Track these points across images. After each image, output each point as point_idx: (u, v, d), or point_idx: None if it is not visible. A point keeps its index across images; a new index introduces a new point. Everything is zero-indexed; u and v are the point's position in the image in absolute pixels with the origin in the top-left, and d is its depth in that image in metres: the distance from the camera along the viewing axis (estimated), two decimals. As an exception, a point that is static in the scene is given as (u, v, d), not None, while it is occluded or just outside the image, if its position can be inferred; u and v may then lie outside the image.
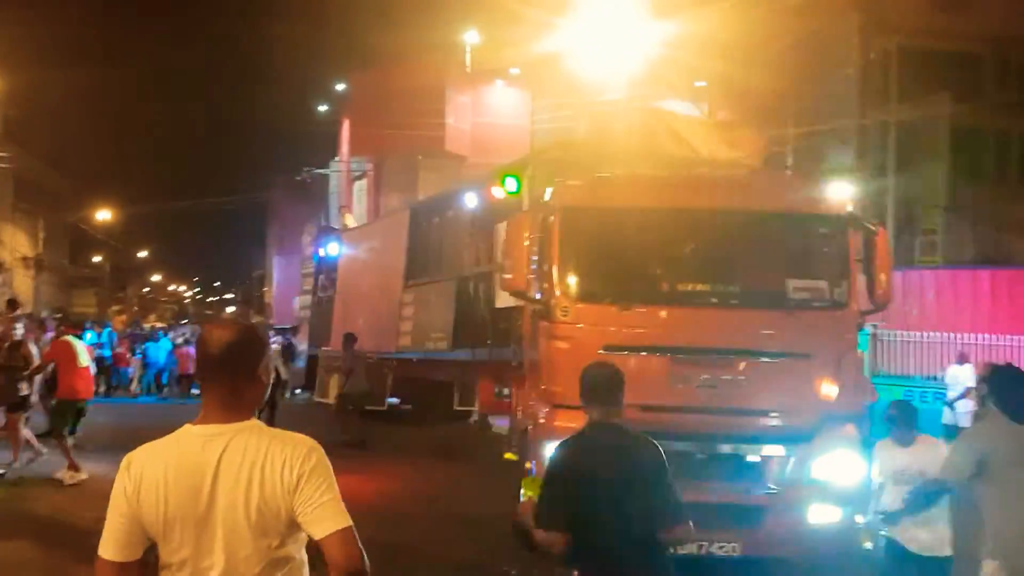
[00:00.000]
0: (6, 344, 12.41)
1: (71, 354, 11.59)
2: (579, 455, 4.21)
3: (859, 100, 27.45)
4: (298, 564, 2.64)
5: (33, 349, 12.24)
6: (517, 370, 9.86)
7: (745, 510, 7.46)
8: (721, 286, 8.23)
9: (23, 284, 41.09)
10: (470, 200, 13.69)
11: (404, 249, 16.49)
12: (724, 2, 22.25)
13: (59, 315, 15.92)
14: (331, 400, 15.05)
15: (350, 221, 27.84)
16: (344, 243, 20.72)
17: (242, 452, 2.58)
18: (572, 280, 8.02)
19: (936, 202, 28.55)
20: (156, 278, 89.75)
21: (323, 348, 20.05)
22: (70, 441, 11.44)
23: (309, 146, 48.90)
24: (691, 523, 4.20)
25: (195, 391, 26.66)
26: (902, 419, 5.97)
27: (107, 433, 14.85)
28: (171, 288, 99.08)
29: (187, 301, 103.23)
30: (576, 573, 4.21)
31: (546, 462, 7.49)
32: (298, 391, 21.81)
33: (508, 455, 10.34)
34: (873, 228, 8.24)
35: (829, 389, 7.68)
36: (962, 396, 16.08)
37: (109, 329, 27.04)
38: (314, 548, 2.64)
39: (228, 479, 2.55)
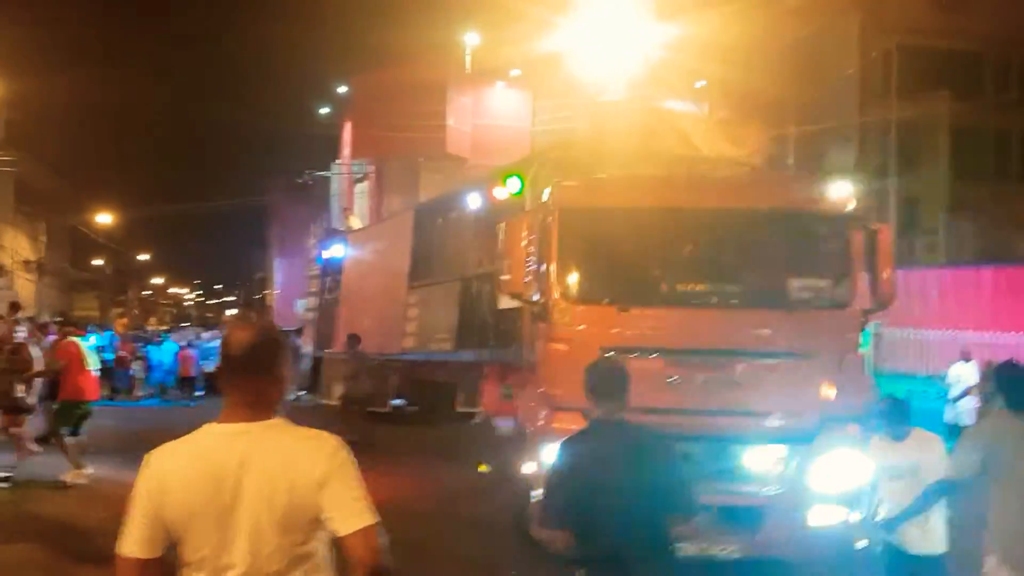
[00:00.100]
0: (7, 347, 12.44)
1: (79, 356, 11.64)
2: (584, 452, 4.16)
3: (859, 99, 27.52)
4: (321, 560, 2.66)
5: (35, 352, 12.25)
6: (520, 371, 9.86)
7: (746, 512, 7.39)
8: (721, 286, 8.18)
9: (25, 288, 41.12)
10: (473, 201, 13.70)
11: (408, 250, 16.50)
12: (724, 2, 22.31)
13: (59, 319, 15.94)
14: (336, 402, 15.08)
15: (355, 223, 27.89)
16: (348, 245, 20.76)
17: (266, 449, 2.61)
18: (570, 281, 7.98)
19: (937, 201, 28.62)
20: (157, 281, 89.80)
21: (328, 350, 20.08)
22: (71, 441, 11.44)
23: (310, 148, 48.89)
24: (706, 516, 4.23)
25: (198, 393, 26.81)
26: (893, 414, 5.89)
27: (111, 436, 14.89)
28: (172, 291, 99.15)
29: (188, 304, 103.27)
30: (582, 572, 4.14)
31: (547, 463, 7.54)
32: (302, 393, 21.84)
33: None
34: (875, 226, 8.19)
35: (830, 389, 7.62)
36: (964, 394, 16.10)
37: (111, 332, 27.07)
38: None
39: (252, 476, 2.58)
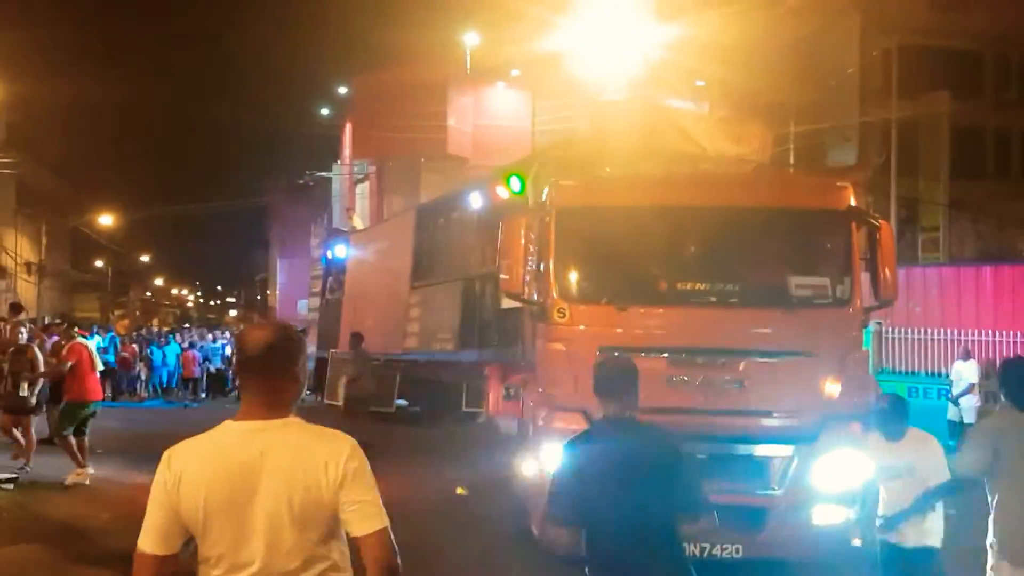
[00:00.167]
0: (11, 349, 12.47)
1: (87, 356, 11.70)
2: (593, 451, 4.11)
3: (859, 99, 27.52)
4: (339, 558, 2.70)
5: (38, 353, 12.29)
6: (522, 371, 9.87)
7: (748, 512, 7.32)
8: (720, 285, 8.05)
9: (26, 289, 41.15)
10: (475, 201, 13.71)
11: (410, 250, 16.53)
12: (724, 2, 22.33)
13: (58, 319, 15.96)
14: (340, 402, 15.10)
15: (358, 223, 27.89)
16: (351, 245, 20.78)
17: (284, 447, 2.65)
18: (568, 281, 7.94)
19: (937, 200, 28.64)
20: (158, 282, 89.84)
21: (332, 350, 20.10)
22: (73, 441, 11.48)
23: (311, 149, 48.99)
24: (714, 515, 4.15)
25: (202, 395, 26.87)
26: (892, 413, 5.80)
27: (115, 438, 14.92)
28: (173, 292, 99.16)
29: (189, 305, 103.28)
30: (588, 572, 4.09)
31: (547, 463, 7.54)
32: (307, 393, 21.92)
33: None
34: (876, 223, 8.04)
35: (832, 388, 7.54)
36: (966, 392, 16.15)
37: (112, 333, 27.10)
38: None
39: (270, 473, 2.61)
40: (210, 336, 31.65)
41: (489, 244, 13.29)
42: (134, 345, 27.55)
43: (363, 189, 39.41)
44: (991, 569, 5.11)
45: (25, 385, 11.96)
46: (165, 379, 26.77)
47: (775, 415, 7.57)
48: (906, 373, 18.37)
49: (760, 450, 7.60)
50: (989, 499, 5.11)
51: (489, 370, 11.74)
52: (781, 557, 7.59)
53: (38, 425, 12.57)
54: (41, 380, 12.25)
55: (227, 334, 34.22)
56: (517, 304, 8.99)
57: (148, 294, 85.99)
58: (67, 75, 46.13)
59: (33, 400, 12.17)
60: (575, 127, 23.94)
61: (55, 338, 14.39)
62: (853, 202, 8.12)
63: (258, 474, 2.62)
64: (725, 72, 22.45)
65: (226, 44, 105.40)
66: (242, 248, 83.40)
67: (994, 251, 27.16)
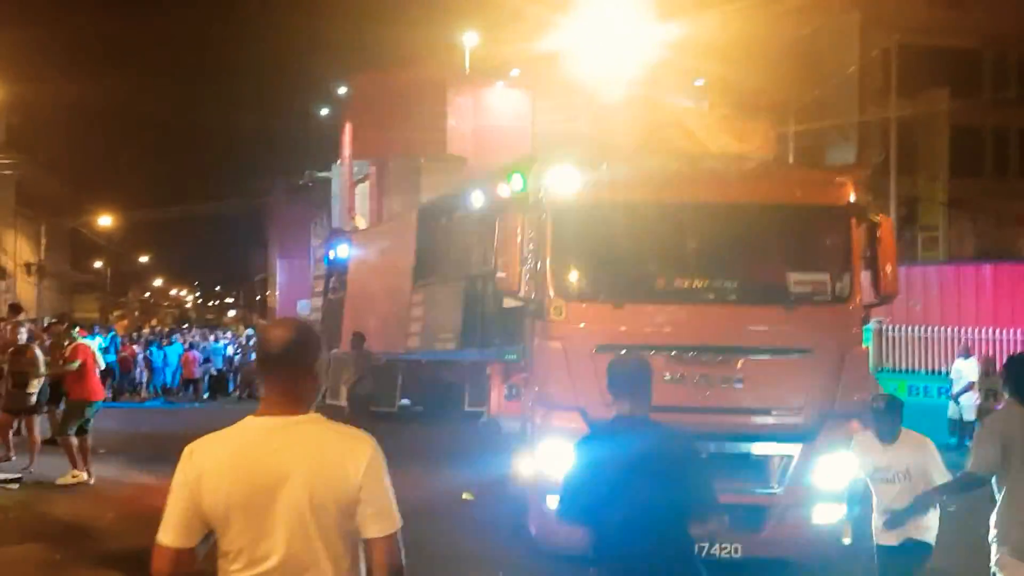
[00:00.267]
0: (10, 349, 12.49)
1: (92, 356, 11.81)
2: (605, 449, 4.07)
3: (859, 97, 27.57)
4: (354, 555, 2.73)
5: (39, 353, 12.32)
6: (524, 370, 9.86)
7: (746, 511, 7.22)
8: (718, 281, 7.95)
9: (26, 290, 41.17)
10: (476, 199, 13.71)
11: (412, 250, 16.51)
12: (724, 1, 22.35)
13: (55, 320, 15.97)
14: (343, 403, 15.10)
15: (360, 223, 27.91)
16: (354, 245, 20.78)
17: (305, 444, 2.68)
18: (565, 278, 7.86)
19: (936, 198, 28.70)
20: (157, 283, 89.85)
21: (334, 350, 20.09)
22: (75, 441, 11.50)
23: (310, 149, 48.99)
24: (725, 517, 4.09)
25: (204, 395, 26.86)
26: (887, 413, 5.69)
27: (117, 437, 14.95)
28: (172, 292, 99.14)
29: (188, 305, 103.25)
30: (596, 572, 4.05)
31: (546, 463, 7.52)
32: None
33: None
34: (876, 218, 7.92)
35: (832, 386, 7.46)
36: (966, 390, 16.18)
37: (113, 333, 27.12)
38: None
39: (291, 470, 2.64)
40: (212, 337, 31.65)
41: (491, 243, 13.30)
42: (135, 346, 27.57)
43: (363, 189, 39.40)
44: (996, 564, 5.10)
45: (36, 382, 11.99)
46: (168, 379, 26.78)
47: (774, 413, 7.49)
48: (906, 371, 18.40)
49: (759, 448, 7.54)
50: (996, 495, 5.09)
51: (491, 369, 11.75)
52: (781, 557, 7.54)
53: (39, 425, 12.60)
54: (42, 380, 12.28)
55: (228, 334, 34.24)
56: (518, 303, 8.95)
57: (147, 294, 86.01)
58: (67, 76, 46.13)
59: (33, 399, 12.19)
60: (575, 127, 23.97)
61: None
62: (853, 198, 8.01)
63: (279, 470, 2.65)
64: (725, 71, 22.48)
65: (225, 44, 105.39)
66: (241, 248, 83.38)
67: (993, 249, 27.21)
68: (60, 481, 11.24)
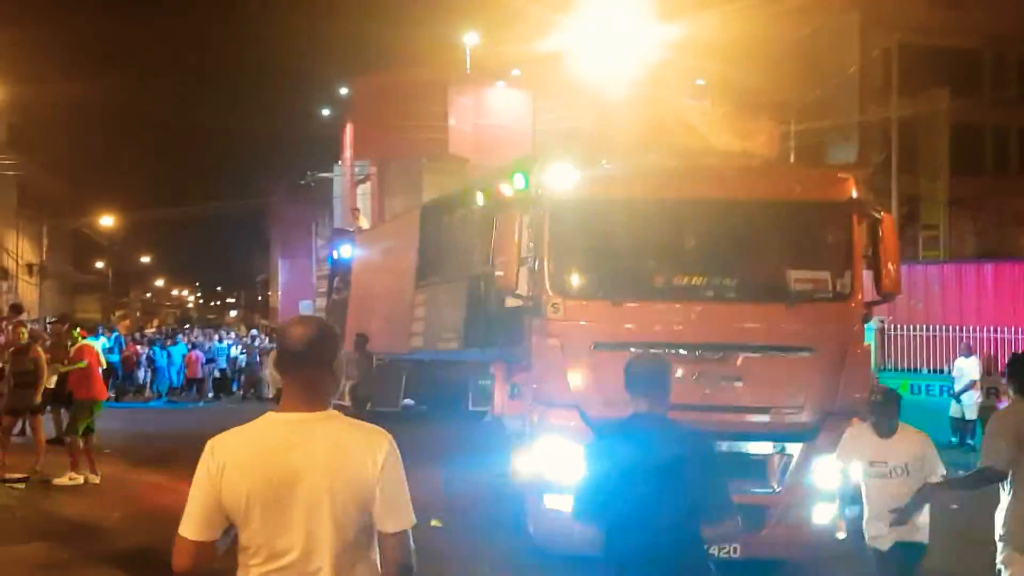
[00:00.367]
0: (10, 350, 12.52)
1: (96, 356, 11.95)
2: (622, 448, 4.02)
3: (860, 97, 27.63)
4: (372, 549, 2.78)
5: (42, 354, 12.36)
6: (525, 369, 9.85)
7: (745, 511, 7.08)
8: (717, 279, 7.81)
9: (28, 290, 41.23)
10: (479, 198, 13.74)
11: (415, 249, 16.53)
12: (725, 1, 22.40)
13: (55, 319, 16.01)
14: (346, 402, 15.13)
15: (364, 223, 27.92)
16: (357, 245, 20.80)
17: (325, 438, 2.74)
18: (563, 275, 7.78)
19: (937, 197, 28.75)
20: (159, 283, 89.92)
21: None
22: (80, 443, 11.55)
23: (312, 150, 49.10)
24: (738, 520, 4.07)
25: (209, 395, 26.87)
26: (885, 405, 5.56)
27: (122, 437, 15.01)
28: (174, 293, 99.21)
29: (190, 305, 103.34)
30: (608, 569, 4.00)
31: (543, 460, 7.52)
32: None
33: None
34: (878, 215, 7.73)
35: (833, 384, 7.35)
36: (968, 388, 16.23)
37: (117, 333, 27.15)
38: None
39: (311, 465, 2.69)
40: (216, 337, 31.69)
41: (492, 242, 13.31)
42: (137, 346, 27.60)
43: (364, 189, 39.46)
44: (1002, 562, 5.07)
45: (46, 380, 12.04)
46: (173, 379, 26.82)
47: (773, 412, 7.38)
48: (908, 370, 18.45)
49: (758, 448, 7.46)
50: (1002, 492, 5.07)
51: (495, 368, 11.77)
52: (781, 557, 7.47)
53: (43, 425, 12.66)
54: (52, 379, 12.35)
55: (232, 335, 34.27)
56: (518, 301, 8.90)
57: (149, 295, 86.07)
58: (68, 76, 46.10)
59: (38, 399, 12.24)
60: (576, 126, 24.00)
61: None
62: (854, 193, 7.85)
63: (299, 465, 2.69)
64: (725, 71, 22.53)
65: (227, 45, 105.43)
66: (242, 249, 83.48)
67: (993, 248, 27.27)
68: (57, 482, 11.27)
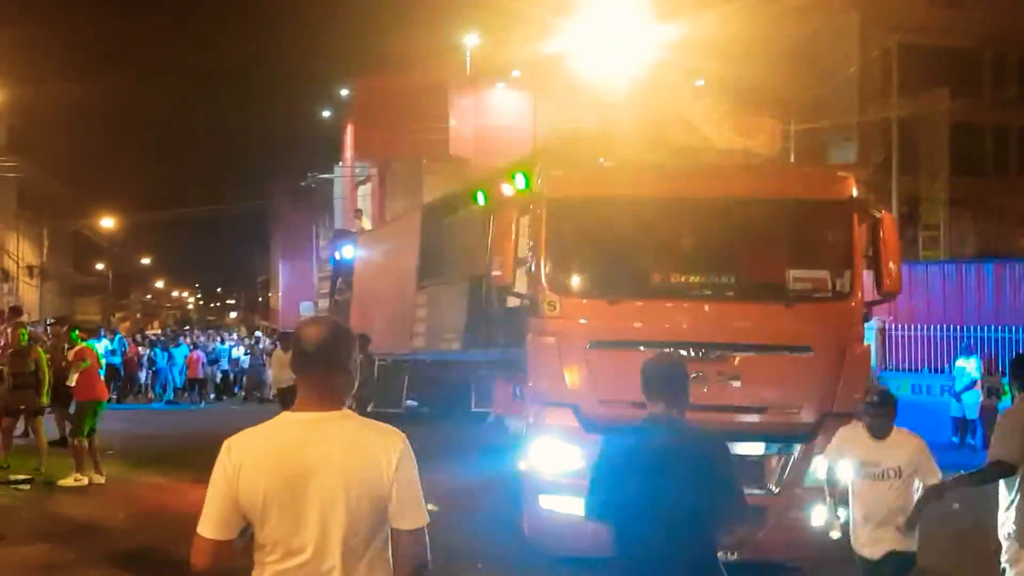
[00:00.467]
0: (9, 351, 12.54)
1: (96, 357, 11.97)
2: (634, 449, 3.97)
3: (860, 97, 27.66)
4: (386, 548, 2.81)
5: (42, 355, 12.38)
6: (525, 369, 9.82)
7: None
8: (716, 278, 7.75)
9: (28, 292, 41.26)
10: (480, 198, 13.76)
11: (416, 250, 16.54)
12: (725, 1, 22.44)
13: (54, 321, 16.04)
14: (350, 402, 15.19)
15: (366, 224, 27.95)
16: (359, 246, 20.82)
17: (340, 437, 2.77)
18: (560, 273, 7.73)
19: (937, 197, 28.78)
20: (159, 284, 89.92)
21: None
22: (83, 443, 11.58)
23: (312, 151, 49.09)
24: (753, 525, 3.99)
25: (211, 396, 26.89)
26: (881, 407, 5.41)
27: (125, 438, 15.02)
28: (174, 294, 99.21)
29: (190, 307, 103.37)
30: (617, 570, 3.95)
31: (540, 460, 7.50)
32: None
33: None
34: (878, 214, 7.67)
35: (832, 384, 7.27)
36: (969, 388, 16.26)
37: (119, 335, 27.18)
38: None
39: (327, 464, 2.72)
40: (218, 338, 31.71)
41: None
42: (139, 347, 27.63)
43: (365, 191, 39.49)
44: (1008, 560, 5.08)
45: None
46: (176, 380, 26.85)
47: (772, 412, 7.31)
48: (909, 370, 18.48)
49: (756, 448, 7.41)
50: (1008, 491, 5.06)
51: (498, 369, 11.78)
52: (779, 559, 7.41)
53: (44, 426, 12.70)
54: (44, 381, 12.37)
55: (235, 336, 34.30)
56: (516, 300, 8.85)
57: (149, 296, 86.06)
58: (68, 78, 46.18)
59: (39, 399, 12.27)
60: (577, 126, 24.01)
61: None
62: (854, 192, 7.80)
63: (314, 464, 2.72)
64: (725, 71, 22.55)
65: (228, 47, 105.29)
66: (243, 250, 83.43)
67: (994, 247, 27.29)
68: (62, 483, 11.29)
